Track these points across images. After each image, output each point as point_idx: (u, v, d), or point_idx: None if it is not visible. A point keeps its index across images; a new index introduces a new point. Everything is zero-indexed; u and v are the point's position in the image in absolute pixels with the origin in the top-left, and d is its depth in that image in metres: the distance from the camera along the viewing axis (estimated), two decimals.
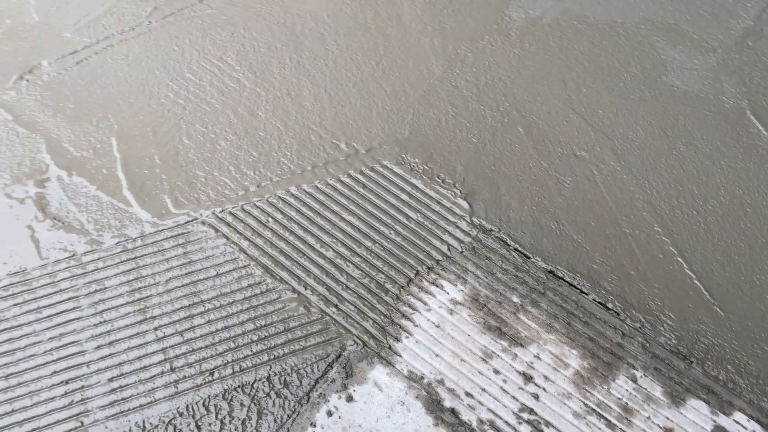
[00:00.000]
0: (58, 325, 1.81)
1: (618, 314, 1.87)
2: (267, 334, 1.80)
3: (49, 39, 2.53)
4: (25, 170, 2.14)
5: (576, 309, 1.87)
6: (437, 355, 1.77)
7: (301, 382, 1.72)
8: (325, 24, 2.62)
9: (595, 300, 1.90)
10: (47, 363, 1.74)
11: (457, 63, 2.49)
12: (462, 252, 1.98)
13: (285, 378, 1.72)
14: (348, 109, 2.33)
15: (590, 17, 2.67)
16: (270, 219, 2.04)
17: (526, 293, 1.89)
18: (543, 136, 2.27)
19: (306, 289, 1.89)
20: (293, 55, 2.50)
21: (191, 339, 1.79)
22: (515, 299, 1.88)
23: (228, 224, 2.02)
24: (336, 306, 1.86)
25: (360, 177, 2.15)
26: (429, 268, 1.95)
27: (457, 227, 2.04)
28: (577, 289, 1.92)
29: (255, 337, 1.79)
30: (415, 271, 1.94)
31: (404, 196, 2.10)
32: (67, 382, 1.71)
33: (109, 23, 2.59)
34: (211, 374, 1.73)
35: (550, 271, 1.95)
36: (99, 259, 1.94)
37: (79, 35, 2.54)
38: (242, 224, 2.02)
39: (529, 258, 1.98)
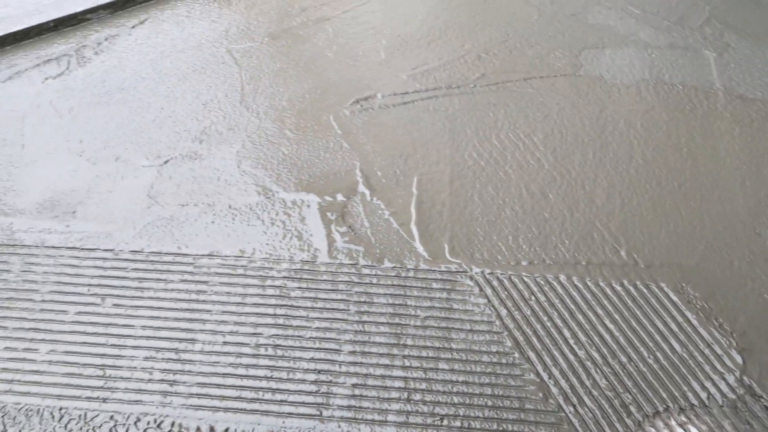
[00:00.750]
0: (327, 319, 2.03)
1: None
2: (501, 405, 1.84)
3: (388, 76, 2.89)
4: (339, 179, 2.46)
5: None
6: None
7: None
8: (637, 132, 2.64)
9: None
10: (309, 348, 1.96)
11: (766, 211, 2.34)
12: (722, 406, 1.84)
13: None
14: (638, 219, 2.32)
15: None
16: (533, 297, 2.09)
17: None
18: None
19: (549, 378, 1.89)
20: (597, 152, 2.56)
21: (432, 380, 1.89)
22: None
23: (493, 288, 2.11)
24: (574, 406, 1.83)
25: (632, 290, 2.11)
26: (681, 408, 1.84)
27: (723, 379, 1.90)
28: None
29: (489, 403, 1.84)
30: (665, 406, 1.84)
31: (674, 326, 2.02)
32: (319, 372, 1.91)
33: (440, 77, 2.89)
34: (441, 420, 1.80)
35: None
36: (375, 275, 2.14)
37: (413, 80, 2.87)
38: (506, 293, 2.10)
39: None
